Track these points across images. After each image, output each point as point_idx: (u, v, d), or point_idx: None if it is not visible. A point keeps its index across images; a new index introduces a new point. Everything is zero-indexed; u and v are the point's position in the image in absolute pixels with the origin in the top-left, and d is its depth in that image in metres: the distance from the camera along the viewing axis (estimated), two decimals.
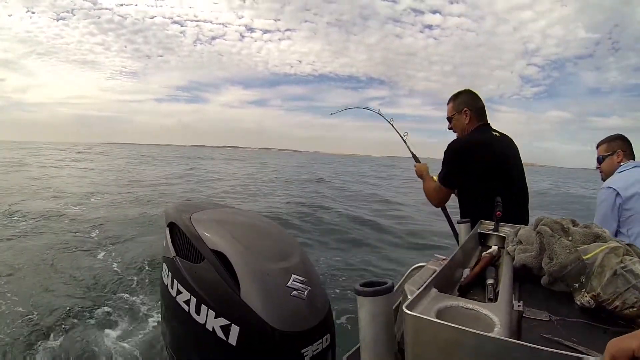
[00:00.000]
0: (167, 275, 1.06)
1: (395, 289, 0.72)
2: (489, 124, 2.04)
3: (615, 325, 0.77)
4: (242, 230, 1.04)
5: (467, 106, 2.02)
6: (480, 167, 1.86)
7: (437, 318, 0.62)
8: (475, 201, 1.89)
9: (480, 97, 2.06)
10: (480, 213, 1.53)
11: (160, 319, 1.18)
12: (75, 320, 3.09)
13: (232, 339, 0.88)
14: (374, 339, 0.69)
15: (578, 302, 0.85)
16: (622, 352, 0.43)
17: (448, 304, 0.67)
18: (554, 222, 1.01)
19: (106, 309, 3.32)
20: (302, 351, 0.90)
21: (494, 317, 0.63)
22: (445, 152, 1.97)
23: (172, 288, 1.01)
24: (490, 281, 0.91)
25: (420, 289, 0.69)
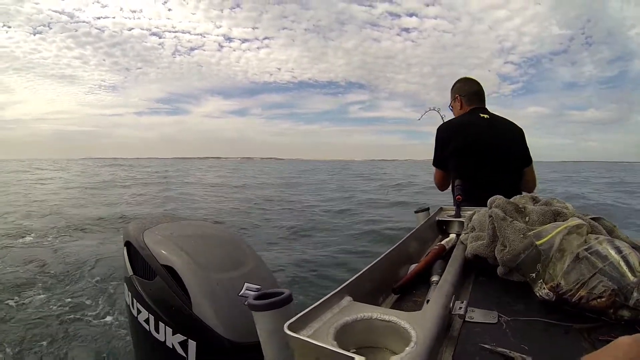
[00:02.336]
0: (128, 295, 1.06)
1: (319, 302, 0.58)
2: (482, 107, 2.05)
3: (582, 320, 0.63)
4: (191, 242, 1.02)
5: (458, 92, 2.11)
6: (454, 147, 1.90)
7: (340, 335, 0.47)
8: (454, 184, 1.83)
9: (477, 82, 2.11)
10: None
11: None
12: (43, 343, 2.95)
13: (191, 355, 0.87)
14: (274, 358, 0.58)
15: (537, 295, 0.71)
16: None
17: (358, 317, 0.52)
18: (507, 202, 0.86)
19: (75, 335, 3.15)
20: None
21: (412, 330, 0.48)
22: None
23: (133, 308, 1.02)
24: (435, 278, 0.76)
25: (324, 298, 0.54)
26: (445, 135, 1.97)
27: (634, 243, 0.76)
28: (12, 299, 3.80)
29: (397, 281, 0.77)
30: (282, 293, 0.58)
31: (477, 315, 0.63)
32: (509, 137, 1.97)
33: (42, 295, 4.02)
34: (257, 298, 0.58)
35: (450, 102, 2.20)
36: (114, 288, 4.06)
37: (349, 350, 0.41)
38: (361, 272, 0.66)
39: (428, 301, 0.68)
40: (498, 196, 0.90)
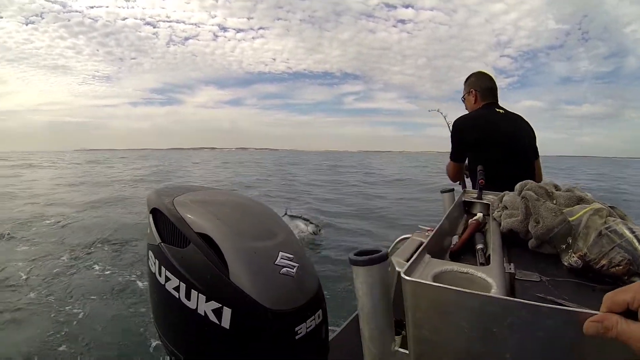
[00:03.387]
0: (154, 263, 1.01)
1: (413, 258, 0.71)
2: (495, 102, 2.16)
3: (603, 283, 0.79)
4: (226, 210, 1.03)
5: (474, 87, 2.21)
6: (473, 140, 2.02)
7: (435, 282, 0.61)
8: (472, 172, 2.01)
9: (492, 77, 2.23)
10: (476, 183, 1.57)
11: (151, 307, 1.17)
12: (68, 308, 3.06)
13: (225, 322, 0.84)
14: (372, 308, 0.67)
15: (566, 263, 0.86)
16: (616, 304, 0.44)
17: (443, 269, 0.67)
18: (538, 186, 1.02)
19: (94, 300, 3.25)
20: (296, 329, 0.89)
21: (488, 279, 0.63)
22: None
23: (160, 276, 0.98)
24: (480, 246, 0.91)
25: (415, 256, 0.68)
26: (463, 128, 2.08)
27: None
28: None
29: (446, 249, 0.92)
30: (380, 251, 0.69)
31: (524, 275, 0.78)
32: (523, 131, 2.09)
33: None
34: (356, 255, 0.69)
35: (463, 95, 2.29)
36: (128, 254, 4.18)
37: None
38: (429, 237, 0.80)
39: (481, 263, 0.83)
40: (529, 181, 1.05)
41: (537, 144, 2.17)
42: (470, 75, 2.30)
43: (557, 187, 1.13)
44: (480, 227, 1.08)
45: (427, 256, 0.72)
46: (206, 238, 0.91)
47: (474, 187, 1.51)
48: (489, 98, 2.17)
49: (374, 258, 0.66)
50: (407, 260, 0.70)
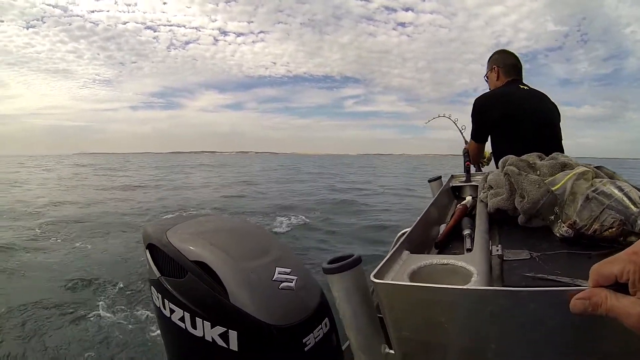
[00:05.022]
0: (158, 297, 1.00)
1: (387, 257, 0.68)
2: (520, 79, 2.04)
3: (599, 249, 0.75)
4: (217, 235, 0.99)
5: (496, 63, 2.08)
6: (496, 116, 1.89)
7: (411, 280, 0.58)
8: (496, 154, 1.87)
9: (516, 55, 2.10)
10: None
11: (164, 344, 1.19)
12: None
13: (233, 345, 0.85)
14: (353, 314, 0.66)
15: (557, 234, 0.82)
16: (604, 277, 0.40)
17: (421, 264, 0.63)
18: (519, 160, 0.98)
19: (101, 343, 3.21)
20: (304, 340, 0.89)
21: (470, 267, 0.59)
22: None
23: (165, 309, 0.97)
24: (466, 232, 0.87)
25: (389, 254, 0.65)
26: (486, 104, 1.95)
27: (632, 184, 0.89)
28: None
29: (433, 239, 0.89)
30: (352, 256, 0.67)
31: (513, 254, 0.74)
32: (549, 107, 1.96)
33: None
34: (329, 263, 0.67)
35: (486, 73, 2.18)
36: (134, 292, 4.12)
37: None
38: (407, 231, 0.77)
39: (468, 249, 0.79)
40: (510, 155, 1.01)
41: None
42: (493, 53, 2.17)
43: (541, 157, 1.09)
44: (469, 211, 1.04)
45: (405, 252, 0.68)
46: (202, 265, 0.87)
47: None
48: (512, 75, 2.05)
49: (347, 264, 0.64)
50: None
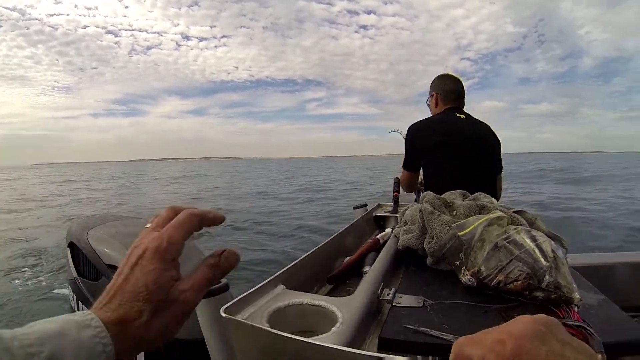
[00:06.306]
0: (73, 298, 1.02)
1: (252, 290, 0.58)
2: (459, 107, 1.94)
3: (501, 302, 0.68)
4: (135, 240, 0.94)
5: (435, 90, 1.98)
6: (426, 145, 1.78)
7: (271, 319, 0.48)
8: (426, 181, 1.77)
9: (457, 79, 1.99)
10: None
11: None
12: None
13: (140, 357, 0.80)
14: (217, 343, 0.62)
15: (462, 281, 0.75)
16: (463, 359, 0.32)
17: (290, 302, 0.53)
18: (436, 198, 0.91)
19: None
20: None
21: (339, 312, 0.50)
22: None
23: (77, 311, 0.92)
24: (367, 269, 0.79)
25: (257, 286, 0.55)
26: (416, 134, 1.85)
27: (551, 233, 0.83)
28: None
29: (331, 272, 0.79)
30: (219, 282, 0.58)
31: (405, 301, 0.65)
32: (486, 139, 1.85)
33: None
34: None
35: (427, 98, 2.08)
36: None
37: None
38: (294, 262, 0.67)
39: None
40: (428, 192, 0.94)
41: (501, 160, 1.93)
42: (435, 77, 2.05)
43: (465, 196, 1.03)
44: (381, 245, 0.96)
45: (280, 287, 0.58)
46: (115, 269, 0.83)
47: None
48: (450, 102, 1.93)
49: (211, 290, 0.57)
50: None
